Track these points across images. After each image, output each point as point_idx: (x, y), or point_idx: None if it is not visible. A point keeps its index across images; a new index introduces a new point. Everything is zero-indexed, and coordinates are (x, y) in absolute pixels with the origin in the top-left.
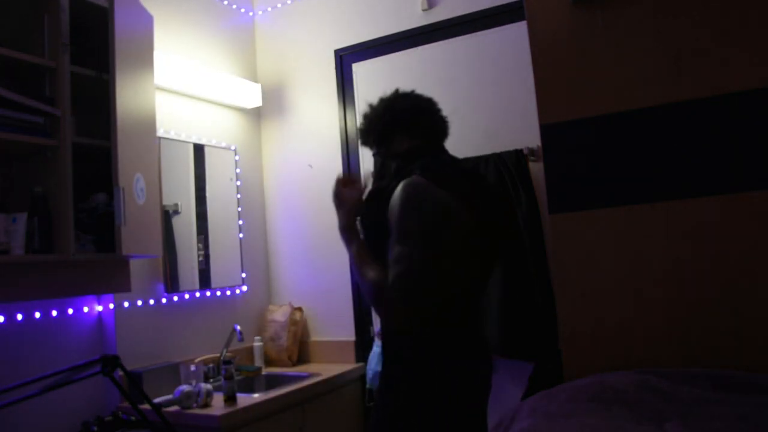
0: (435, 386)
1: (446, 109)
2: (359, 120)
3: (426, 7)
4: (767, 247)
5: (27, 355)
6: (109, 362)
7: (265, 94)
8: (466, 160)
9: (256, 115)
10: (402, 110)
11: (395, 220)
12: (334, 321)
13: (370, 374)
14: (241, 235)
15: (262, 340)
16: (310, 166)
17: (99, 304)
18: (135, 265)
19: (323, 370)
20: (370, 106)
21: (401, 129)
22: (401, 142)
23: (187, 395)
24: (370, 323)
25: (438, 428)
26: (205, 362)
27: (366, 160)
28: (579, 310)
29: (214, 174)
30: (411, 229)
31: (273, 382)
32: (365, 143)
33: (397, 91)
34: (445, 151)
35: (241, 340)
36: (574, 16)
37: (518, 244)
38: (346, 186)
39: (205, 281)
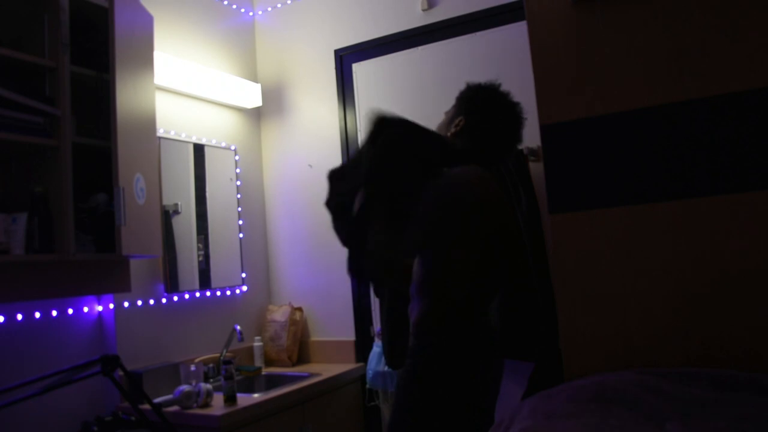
0: (432, 383)
1: (446, 109)
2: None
3: (426, 7)
4: (767, 247)
5: (27, 355)
6: (109, 362)
7: (265, 94)
8: None
9: (256, 115)
10: (484, 110)
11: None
12: (334, 321)
13: (370, 374)
14: (241, 235)
15: (262, 340)
16: (310, 166)
17: (99, 304)
18: (135, 265)
19: (323, 370)
20: (492, 87)
21: (469, 116)
22: (457, 124)
23: (187, 395)
24: (370, 323)
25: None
26: (205, 362)
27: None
28: (579, 310)
29: (214, 174)
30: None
31: (273, 382)
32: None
33: (506, 97)
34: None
35: (241, 340)
36: (574, 16)
37: (519, 244)
38: None
39: (205, 281)
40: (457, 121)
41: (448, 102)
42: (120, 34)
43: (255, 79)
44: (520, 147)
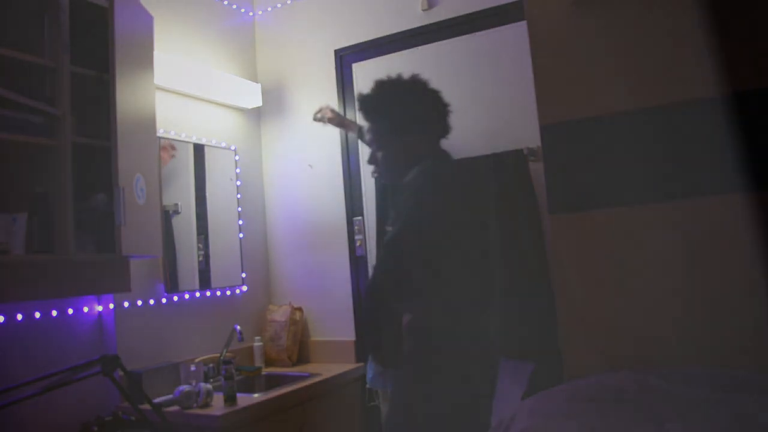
0: (431, 383)
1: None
2: (372, 95)
3: (426, 7)
4: (767, 247)
5: (27, 355)
6: (109, 362)
7: (265, 94)
8: (466, 160)
9: (256, 115)
10: (430, 110)
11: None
12: (334, 321)
13: (370, 374)
14: (241, 235)
15: (262, 340)
16: (310, 166)
17: (99, 304)
18: (135, 265)
19: (323, 370)
20: (393, 87)
21: (423, 129)
22: (419, 142)
23: (187, 395)
24: None
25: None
26: (205, 362)
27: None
28: (579, 310)
29: (214, 174)
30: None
31: (273, 382)
32: (372, 123)
33: (421, 82)
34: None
35: (241, 340)
36: (574, 16)
37: (517, 244)
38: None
39: (205, 281)
40: (418, 140)
41: (449, 102)
42: (120, 34)
43: (255, 79)
44: (520, 147)
